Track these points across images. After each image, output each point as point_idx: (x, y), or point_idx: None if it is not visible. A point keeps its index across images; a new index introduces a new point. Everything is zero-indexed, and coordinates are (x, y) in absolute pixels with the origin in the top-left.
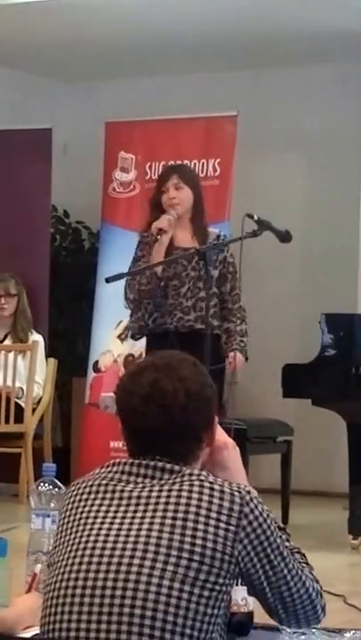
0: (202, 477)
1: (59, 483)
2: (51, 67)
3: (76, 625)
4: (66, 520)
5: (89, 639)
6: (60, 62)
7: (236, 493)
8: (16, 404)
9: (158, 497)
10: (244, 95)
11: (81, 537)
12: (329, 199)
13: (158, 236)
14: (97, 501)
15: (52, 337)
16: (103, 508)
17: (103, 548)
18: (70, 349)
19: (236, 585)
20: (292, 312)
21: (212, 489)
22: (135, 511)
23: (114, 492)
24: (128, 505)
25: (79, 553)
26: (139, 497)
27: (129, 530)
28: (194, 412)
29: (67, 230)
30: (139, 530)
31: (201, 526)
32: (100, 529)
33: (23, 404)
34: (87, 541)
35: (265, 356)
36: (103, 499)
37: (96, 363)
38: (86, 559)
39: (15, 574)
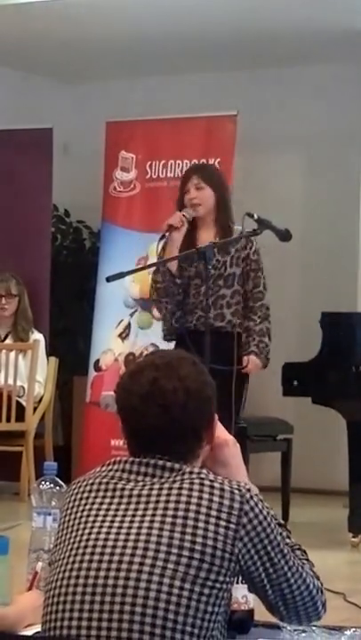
0: (202, 476)
1: (60, 481)
2: (51, 67)
3: (77, 623)
4: (67, 518)
5: (90, 637)
6: (60, 62)
7: (236, 491)
8: (17, 402)
9: (159, 495)
10: (244, 95)
11: (82, 535)
12: (329, 199)
13: (167, 233)
14: (98, 500)
15: (52, 336)
16: (104, 507)
17: (104, 547)
18: (71, 348)
19: (237, 583)
20: (293, 311)
21: (212, 487)
22: (136, 509)
23: (114, 490)
24: (129, 503)
25: (80, 551)
26: (139, 495)
27: (129, 528)
28: (194, 410)
29: (67, 229)
30: (139, 528)
31: (201, 524)
32: (100, 527)
33: (24, 403)
34: (88, 539)
35: None
36: (104, 497)
37: (97, 361)
38: (87, 557)
39: (16, 572)
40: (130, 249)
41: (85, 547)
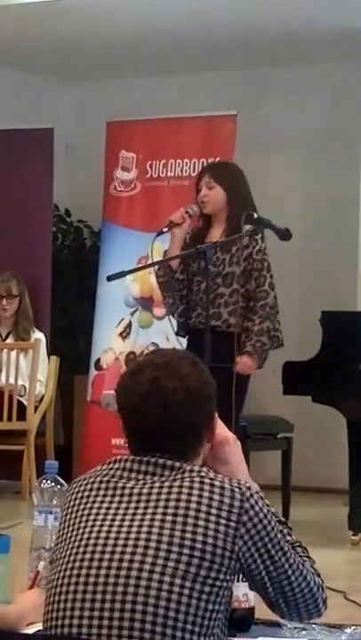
0: (202, 474)
1: (61, 480)
2: (52, 67)
3: (78, 621)
4: (68, 517)
5: (91, 635)
6: (61, 62)
7: (237, 489)
8: (18, 401)
9: (159, 493)
10: (244, 95)
11: (83, 534)
12: (329, 199)
13: (165, 229)
14: (98, 498)
15: (53, 335)
16: (105, 505)
17: (105, 545)
18: (72, 347)
19: (237, 581)
20: (292, 310)
21: (212, 485)
22: (136, 508)
23: (115, 488)
24: (129, 501)
25: (81, 550)
26: (140, 493)
27: (130, 526)
28: (194, 409)
29: (68, 229)
30: (140, 526)
31: (201, 522)
32: (101, 525)
33: (25, 402)
34: (89, 538)
35: None
36: (105, 495)
37: (98, 360)
38: (88, 556)
39: (18, 571)
40: (130, 248)
41: (86, 545)
